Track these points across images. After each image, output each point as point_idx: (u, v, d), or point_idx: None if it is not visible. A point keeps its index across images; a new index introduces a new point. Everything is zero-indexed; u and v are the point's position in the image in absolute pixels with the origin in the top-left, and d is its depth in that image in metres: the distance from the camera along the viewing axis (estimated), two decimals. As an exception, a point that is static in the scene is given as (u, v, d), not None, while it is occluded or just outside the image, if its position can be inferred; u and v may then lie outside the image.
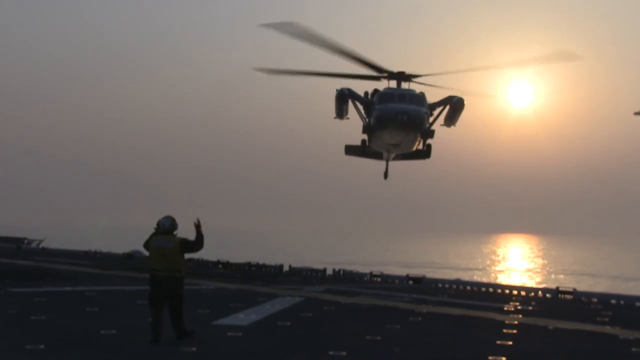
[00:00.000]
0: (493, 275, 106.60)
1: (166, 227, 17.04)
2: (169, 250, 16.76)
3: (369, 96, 36.22)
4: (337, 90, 35.88)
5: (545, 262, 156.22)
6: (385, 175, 40.10)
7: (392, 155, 38.38)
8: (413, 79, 35.75)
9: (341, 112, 36.49)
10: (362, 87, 36.42)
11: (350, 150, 39.23)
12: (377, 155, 38.92)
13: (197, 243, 17.03)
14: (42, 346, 15.96)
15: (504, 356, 16.18)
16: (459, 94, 35.87)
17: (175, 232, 17.14)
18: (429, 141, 35.87)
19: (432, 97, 35.51)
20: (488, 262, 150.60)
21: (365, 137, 36.72)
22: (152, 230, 17.25)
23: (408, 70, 35.77)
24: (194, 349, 16.10)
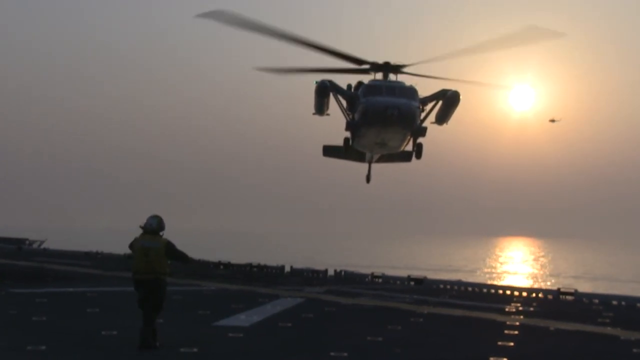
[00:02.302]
0: (494, 276, 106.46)
1: (153, 227, 16.35)
2: (154, 251, 16.10)
3: (353, 90, 33.25)
4: (316, 82, 32.65)
5: (546, 264, 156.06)
6: (368, 179, 37.27)
7: (376, 157, 35.64)
8: (401, 70, 32.59)
9: (321, 107, 33.46)
10: (344, 82, 33.55)
11: (329, 151, 36.34)
12: (359, 157, 36.08)
13: (182, 258, 16.56)
14: (43, 347, 15.95)
15: (505, 357, 16.17)
16: (454, 86, 32.54)
17: (162, 233, 16.48)
18: (420, 140, 32.55)
19: (422, 91, 32.40)
20: (489, 265, 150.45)
21: (348, 134, 33.49)
22: (140, 231, 16.51)
23: (394, 61, 32.55)
24: (195, 349, 16.08)
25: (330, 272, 43.62)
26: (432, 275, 46.78)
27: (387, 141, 32.61)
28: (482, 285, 37.68)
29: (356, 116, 32.32)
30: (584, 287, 60.53)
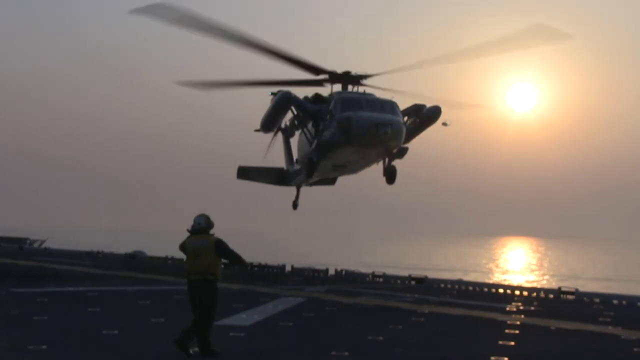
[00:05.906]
0: (494, 276, 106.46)
1: (201, 225, 15.45)
2: (204, 250, 15.18)
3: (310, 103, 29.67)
4: (273, 93, 28.55)
5: (547, 263, 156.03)
6: (295, 205, 34.98)
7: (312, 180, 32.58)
8: (362, 82, 29.21)
9: (273, 123, 29.44)
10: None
11: (244, 173, 33.69)
12: (280, 180, 33.33)
13: (235, 259, 15.55)
14: (44, 346, 15.94)
15: (506, 356, 16.16)
16: (425, 102, 29.50)
17: (212, 232, 15.60)
18: (395, 162, 29.34)
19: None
20: (490, 264, 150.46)
21: (309, 154, 29.75)
22: (187, 234, 15.63)
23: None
24: (195, 348, 16.06)
25: (331, 272, 43.59)
26: (432, 275, 46.74)
27: (362, 162, 29.33)
28: (482, 285, 37.65)
29: (328, 133, 28.54)
30: (585, 287, 60.54)
